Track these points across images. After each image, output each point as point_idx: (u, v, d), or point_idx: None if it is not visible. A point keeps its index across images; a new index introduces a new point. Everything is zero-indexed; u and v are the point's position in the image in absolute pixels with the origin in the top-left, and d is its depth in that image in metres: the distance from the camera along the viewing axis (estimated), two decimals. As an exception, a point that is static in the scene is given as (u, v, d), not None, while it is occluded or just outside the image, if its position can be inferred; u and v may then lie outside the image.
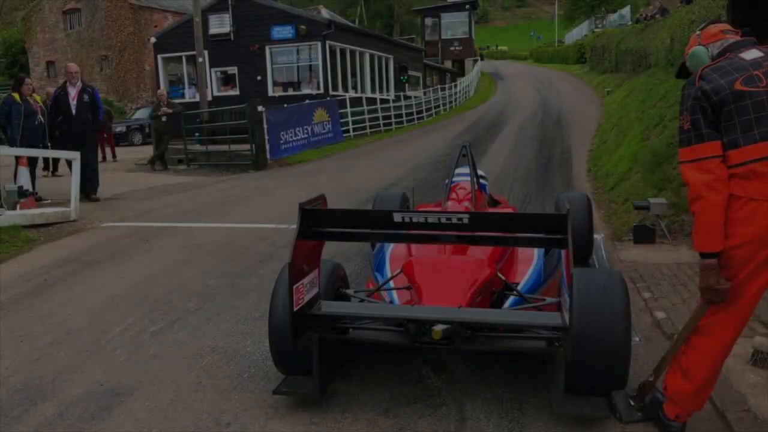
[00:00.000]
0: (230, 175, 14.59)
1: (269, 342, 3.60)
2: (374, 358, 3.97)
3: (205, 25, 21.04)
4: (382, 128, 23.43)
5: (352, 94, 23.34)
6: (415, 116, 26.53)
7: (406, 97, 27.25)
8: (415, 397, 3.52)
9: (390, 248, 4.57)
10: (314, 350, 3.31)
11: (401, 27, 76.76)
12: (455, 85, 34.75)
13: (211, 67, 22.43)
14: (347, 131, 20.87)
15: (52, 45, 42.17)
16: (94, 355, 4.25)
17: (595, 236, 6.94)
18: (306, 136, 17.85)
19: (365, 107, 22.62)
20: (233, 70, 23.01)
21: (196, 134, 18.18)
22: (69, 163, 9.66)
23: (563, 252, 3.36)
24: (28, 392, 3.75)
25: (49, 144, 10.28)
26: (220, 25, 22.25)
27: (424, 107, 27.87)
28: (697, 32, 3.07)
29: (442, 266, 3.67)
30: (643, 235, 6.60)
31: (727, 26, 2.99)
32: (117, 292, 5.60)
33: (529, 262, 4.41)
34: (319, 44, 21.94)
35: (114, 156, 18.58)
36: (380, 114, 23.67)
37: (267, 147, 15.72)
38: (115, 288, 5.74)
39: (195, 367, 4.01)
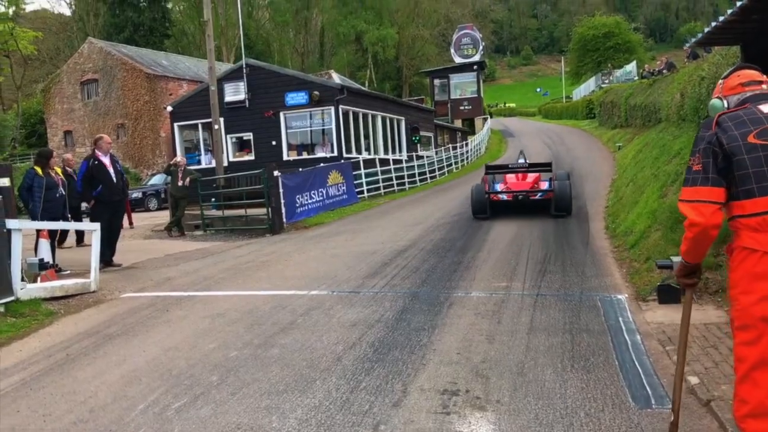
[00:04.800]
0: (247, 239, 14.65)
1: (472, 204, 13.94)
2: None
3: (221, 93, 21.56)
4: (395, 188, 23.60)
5: (365, 155, 23.63)
6: (428, 175, 26.75)
7: (419, 157, 27.52)
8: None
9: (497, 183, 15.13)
10: (487, 204, 13.73)
11: (410, 87, 78.21)
12: (466, 144, 35.10)
13: (226, 133, 22.89)
14: (361, 192, 21.03)
15: (69, 115, 43.22)
16: (118, 435, 4.19)
17: (619, 297, 6.93)
18: (321, 198, 17.99)
19: (378, 168, 22.84)
20: (248, 135, 23.43)
21: (212, 199, 18.37)
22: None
23: (553, 174, 15.02)
24: (52, 477, 3.68)
25: (69, 216, 10.40)
26: (235, 92, 22.78)
27: (436, 166, 28.12)
28: (721, 81, 3.11)
29: (520, 176, 14.93)
30: (668, 295, 6.49)
31: (750, 77, 3.00)
32: (139, 367, 5.56)
33: (545, 183, 14.39)
34: (332, 109, 22.35)
35: (131, 223, 18.72)
36: (393, 174, 23.87)
37: (283, 211, 15.81)
38: (137, 362, 5.70)
39: (221, 446, 3.93)
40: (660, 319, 6.02)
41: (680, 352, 2.93)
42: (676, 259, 6.61)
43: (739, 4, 5.35)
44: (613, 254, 9.29)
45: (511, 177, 15.07)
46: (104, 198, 10.54)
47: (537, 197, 13.97)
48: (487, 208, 13.73)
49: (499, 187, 14.69)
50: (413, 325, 6.25)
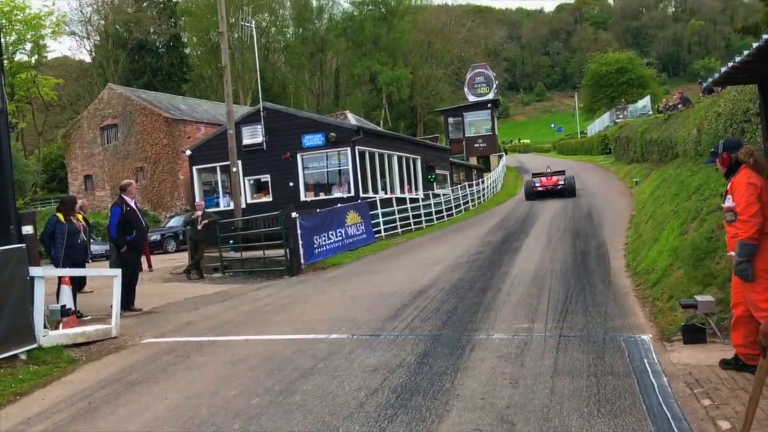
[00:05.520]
0: (265, 281, 14.66)
1: (524, 192, 30.24)
2: None
3: (239, 136, 21.84)
4: (412, 227, 23.63)
5: (382, 195, 23.72)
6: (444, 213, 26.77)
7: (435, 195, 27.59)
8: None
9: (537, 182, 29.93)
10: (532, 194, 28.96)
11: (424, 126, 78.79)
12: (482, 181, 35.17)
13: (244, 175, 23.14)
14: (379, 231, 21.07)
15: (89, 159, 43.95)
16: (142, 487, 4.15)
17: (643, 337, 6.84)
18: (340, 238, 18.02)
19: (395, 207, 22.91)
20: (266, 177, 23.66)
21: (231, 242, 18.47)
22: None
23: (565, 176, 29.72)
24: None
25: (90, 261, 10.51)
26: (253, 135, 23.11)
27: (453, 204, 28.18)
28: None
29: (548, 178, 29.64)
30: (693, 334, 6.40)
31: None
32: (161, 415, 5.53)
33: (562, 181, 28.92)
34: (349, 149, 22.57)
35: (150, 265, 18.82)
36: (410, 213, 23.93)
37: (301, 252, 15.84)
38: (159, 410, 5.68)
39: (245, 498, 3.88)
40: (686, 360, 5.91)
41: (749, 412, 2.89)
42: (701, 298, 6.57)
43: (755, 45, 5.41)
44: (635, 293, 9.19)
45: (543, 178, 29.44)
46: (137, 243, 10.84)
47: (557, 189, 28.04)
48: (533, 194, 28.50)
49: (537, 184, 29.04)
50: (435, 369, 6.19)
